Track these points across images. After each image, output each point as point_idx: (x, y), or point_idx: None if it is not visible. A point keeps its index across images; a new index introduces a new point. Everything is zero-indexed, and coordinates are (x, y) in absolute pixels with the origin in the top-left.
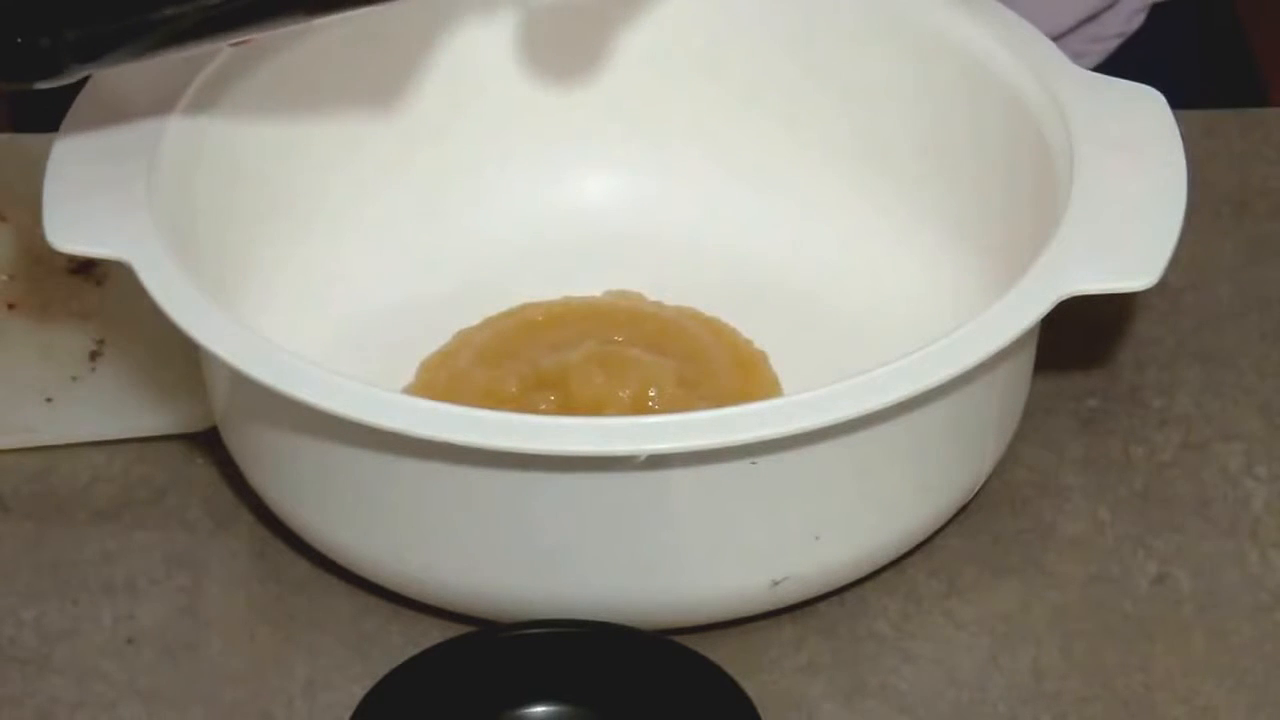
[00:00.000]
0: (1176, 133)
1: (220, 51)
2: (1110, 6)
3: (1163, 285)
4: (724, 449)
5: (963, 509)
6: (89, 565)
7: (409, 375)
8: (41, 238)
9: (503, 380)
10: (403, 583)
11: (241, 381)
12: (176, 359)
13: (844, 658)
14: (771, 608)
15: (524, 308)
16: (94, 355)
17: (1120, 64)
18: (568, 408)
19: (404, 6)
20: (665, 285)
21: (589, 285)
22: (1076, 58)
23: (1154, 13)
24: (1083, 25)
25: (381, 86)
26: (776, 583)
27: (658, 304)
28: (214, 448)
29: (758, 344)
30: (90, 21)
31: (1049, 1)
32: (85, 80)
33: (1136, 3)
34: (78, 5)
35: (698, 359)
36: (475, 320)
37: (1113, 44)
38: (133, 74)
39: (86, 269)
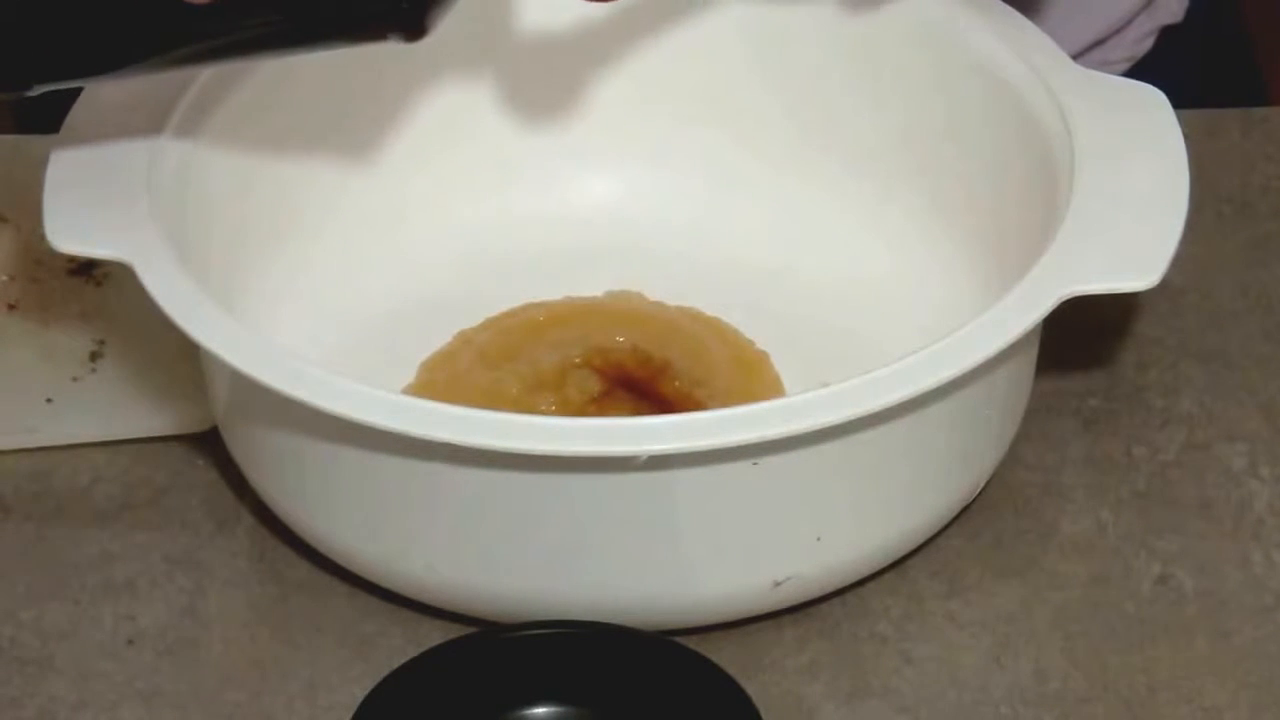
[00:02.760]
0: (1178, 132)
1: None
2: (1117, 31)
3: (1165, 285)
4: (726, 449)
5: (964, 509)
6: (89, 566)
7: (409, 376)
8: (42, 238)
9: (503, 381)
10: (403, 584)
11: (242, 382)
12: (177, 360)
13: (845, 658)
14: (773, 608)
15: (525, 308)
16: (94, 356)
17: None
18: (568, 408)
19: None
20: (666, 286)
21: (590, 286)
22: None
23: (1161, 37)
24: (1090, 50)
25: (383, 89)
26: (778, 583)
27: (659, 304)
28: (214, 448)
29: (760, 345)
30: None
31: (1053, 27)
32: None
33: (1145, 27)
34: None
35: (699, 359)
36: (476, 321)
37: (1120, 68)
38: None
39: (87, 270)
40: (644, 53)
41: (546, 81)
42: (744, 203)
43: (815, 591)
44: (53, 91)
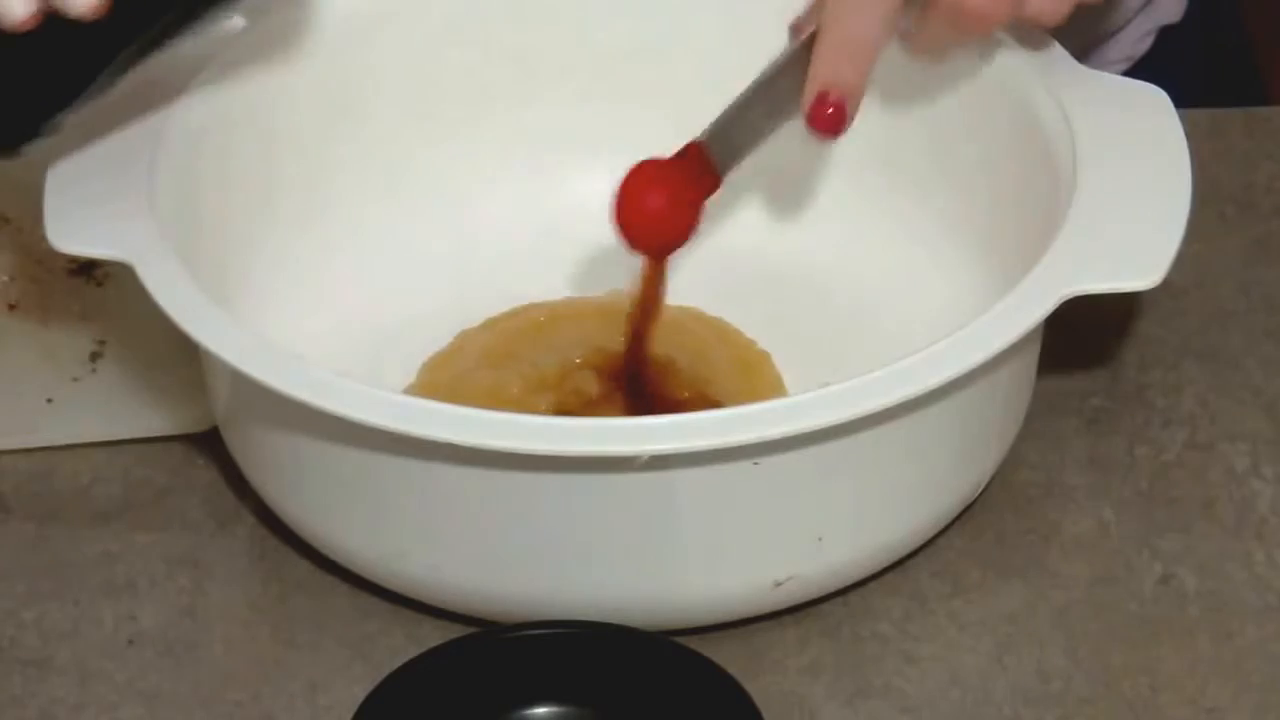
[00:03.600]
0: (1181, 131)
1: (219, 54)
2: (1116, 32)
3: (1167, 284)
4: (727, 449)
5: (967, 509)
6: (90, 566)
7: (411, 376)
8: (43, 239)
9: (505, 381)
10: (404, 583)
11: (242, 382)
12: (177, 359)
13: (847, 659)
14: (774, 609)
15: (526, 308)
16: (95, 356)
17: None
18: (570, 409)
19: (410, 17)
20: (668, 285)
21: (591, 286)
22: None
23: (1160, 37)
24: (1089, 51)
25: (383, 90)
26: (779, 583)
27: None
28: (215, 448)
29: (761, 345)
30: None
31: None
32: None
33: (1144, 27)
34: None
35: (701, 359)
36: (477, 321)
37: (1119, 68)
38: (132, 76)
39: (87, 270)
40: (645, 53)
41: (548, 82)
42: (745, 203)
43: (816, 591)
44: None
